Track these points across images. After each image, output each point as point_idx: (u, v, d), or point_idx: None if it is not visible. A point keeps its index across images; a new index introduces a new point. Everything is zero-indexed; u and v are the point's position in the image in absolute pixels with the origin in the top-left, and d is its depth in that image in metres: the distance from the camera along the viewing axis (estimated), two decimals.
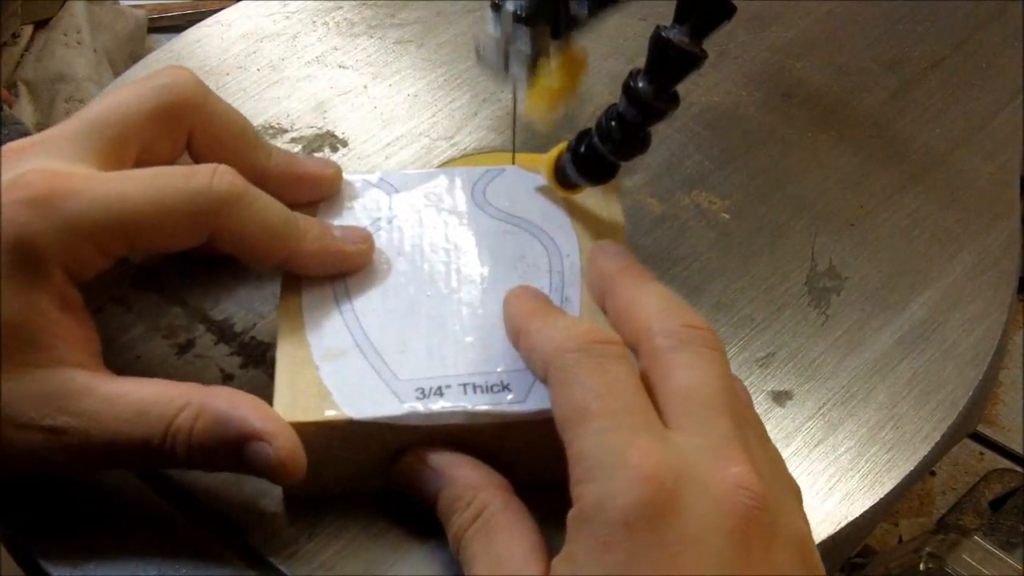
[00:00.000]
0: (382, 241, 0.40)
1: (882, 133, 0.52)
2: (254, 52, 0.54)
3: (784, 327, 0.43)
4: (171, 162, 0.38)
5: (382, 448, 0.35)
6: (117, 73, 1.38)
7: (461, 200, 0.41)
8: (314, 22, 0.56)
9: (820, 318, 0.44)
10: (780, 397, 0.41)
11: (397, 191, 0.42)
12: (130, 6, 1.52)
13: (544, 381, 0.33)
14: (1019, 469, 1.01)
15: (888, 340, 0.43)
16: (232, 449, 0.33)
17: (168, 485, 0.37)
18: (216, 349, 0.40)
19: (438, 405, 0.35)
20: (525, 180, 0.42)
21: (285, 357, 0.36)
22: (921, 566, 0.80)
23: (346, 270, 0.39)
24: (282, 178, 0.40)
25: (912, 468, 0.40)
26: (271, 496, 0.36)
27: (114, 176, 0.35)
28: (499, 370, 0.35)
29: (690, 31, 0.35)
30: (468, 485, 0.34)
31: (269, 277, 0.42)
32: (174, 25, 1.53)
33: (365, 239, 0.39)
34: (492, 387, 0.35)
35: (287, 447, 0.33)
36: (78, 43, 1.37)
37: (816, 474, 0.39)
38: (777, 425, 0.40)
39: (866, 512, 0.38)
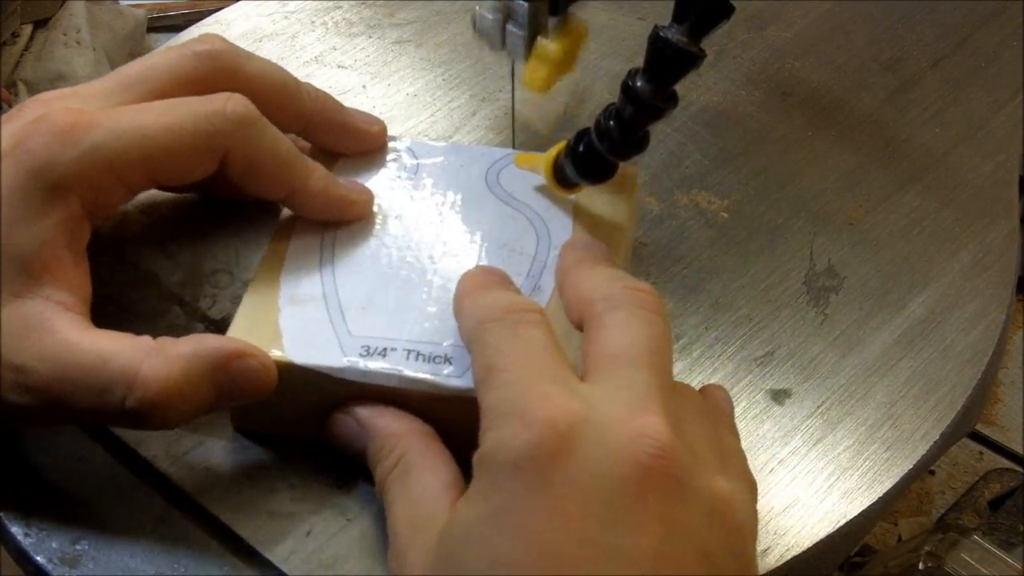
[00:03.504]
0: (384, 202, 0.41)
1: (881, 132, 0.52)
2: (253, 52, 0.54)
3: (783, 326, 0.43)
4: None
5: (324, 398, 0.36)
6: None
7: (474, 178, 0.42)
8: (313, 22, 0.56)
9: (819, 317, 0.44)
10: (779, 396, 0.41)
11: (417, 158, 0.43)
12: (130, 6, 1.52)
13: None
14: (1018, 469, 1.01)
15: (887, 339, 0.43)
16: (214, 377, 0.34)
17: (167, 484, 0.37)
18: None
19: (376, 364, 0.35)
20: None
21: (254, 295, 0.38)
22: (920, 565, 0.80)
23: (344, 217, 0.40)
24: (327, 125, 0.42)
25: (911, 467, 0.40)
26: (271, 495, 0.36)
27: (131, 108, 0.37)
28: (446, 343, 0.36)
29: (689, 31, 0.35)
30: (390, 434, 0.35)
31: None
32: (173, 25, 1.53)
33: (366, 191, 0.41)
34: (434, 358, 0.36)
35: (264, 356, 0.35)
36: (77, 43, 1.37)
37: (815, 473, 0.39)
38: (776, 424, 0.40)
39: (865, 511, 0.38)
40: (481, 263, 0.39)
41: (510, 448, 0.29)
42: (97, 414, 0.34)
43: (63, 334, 0.33)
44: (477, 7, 0.43)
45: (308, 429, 0.37)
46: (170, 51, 0.39)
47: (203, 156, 0.37)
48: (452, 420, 0.35)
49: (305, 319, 0.37)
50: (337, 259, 0.39)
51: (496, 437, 0.30)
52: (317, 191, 0.39)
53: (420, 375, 0.35)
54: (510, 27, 0.42)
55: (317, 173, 0.39)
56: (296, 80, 0.41)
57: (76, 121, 0.35)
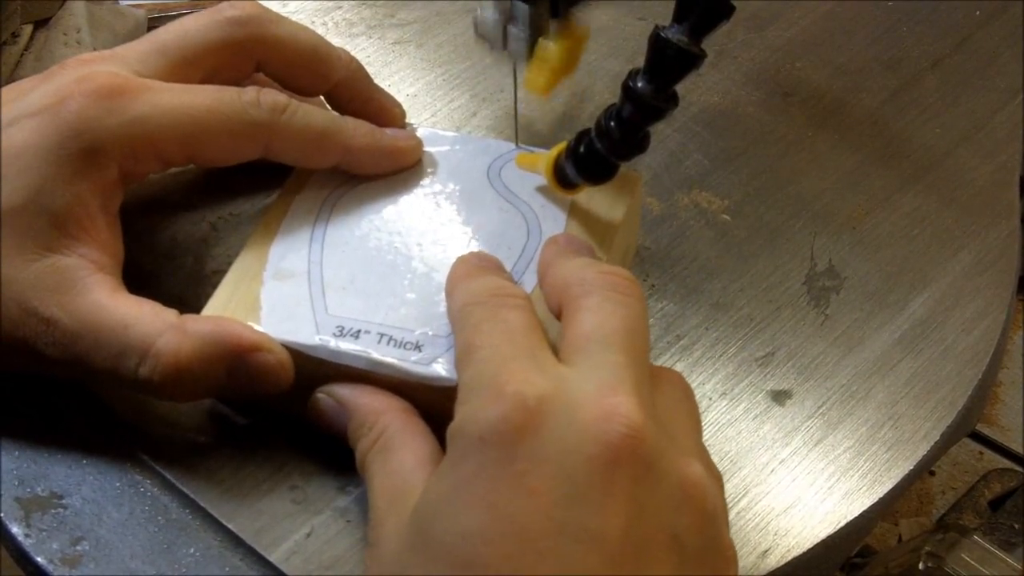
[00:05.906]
0: (384, 186, 0.41)
1: (881, 133, 0.52)
2: None
3: (783, 326, 0.43)
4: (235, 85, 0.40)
5: (300, 375, 0.36)
6: None
7: (476, 170, 0.42)
8: (313, 22, 0.56)
9: (819, 317, 0.44)
10: (779, 396, 0.41)
11: (425, 146, 0.43)
12: (130, 6, 1.52)
13: None
14: (1019, 469, 1.01)
15: (887, 339, 0.43)
16: (229, 364, 0.34)
17: (168, 485, 0.37)
18: None
19: (347, 345, 0.36)
20: None
21: (241, 265, 0.39)
22: (920, 565, 0.80)
23: (398, 166, 0.42)
24: (354, 94, 0.43)
25: (911, 467, 0.40)
26: (272, 496, 0.36)
27: (176, 86, 0.38)
28: (418, 331, 0.36)
29: (689, 31, 0.35)
30: (370, 411, 0.35)
31: None
32: None
33: (413, 137, 0.42)
34: (405, 343, 0.36)
35: (282, 352, 0.35)
36: (78, 43, 1.37)
37: (815, 473, 0.39)
38: (776, 424, 0.40)
39: (865, 511, 0.38)
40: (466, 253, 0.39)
41: (478, 421, 0.29)
42: (113, 377, 0.34)
43: (93, 293, 0.34)
44: (479, 9, 0.43)
45: (287, 405, 0.37)
46: (202, 16, 0.40)
47: (243, 142, 0.38)
48: (419, 406, 0.35)
49: (286, 295, 0.37)
50: (328, 236, 0.39)
51: (466, 410, 0.30)
52: (365, 147, 0.40)
53: (387, 359, 0.36)
54: (511, 29, 0.42)
55: (361, 130, 0.41)
56: (328, 45, 0.42)
57: (121, 87, 0.36)
